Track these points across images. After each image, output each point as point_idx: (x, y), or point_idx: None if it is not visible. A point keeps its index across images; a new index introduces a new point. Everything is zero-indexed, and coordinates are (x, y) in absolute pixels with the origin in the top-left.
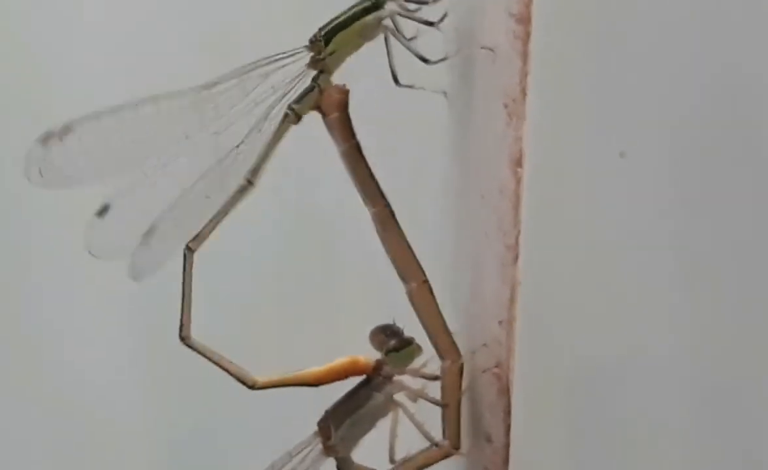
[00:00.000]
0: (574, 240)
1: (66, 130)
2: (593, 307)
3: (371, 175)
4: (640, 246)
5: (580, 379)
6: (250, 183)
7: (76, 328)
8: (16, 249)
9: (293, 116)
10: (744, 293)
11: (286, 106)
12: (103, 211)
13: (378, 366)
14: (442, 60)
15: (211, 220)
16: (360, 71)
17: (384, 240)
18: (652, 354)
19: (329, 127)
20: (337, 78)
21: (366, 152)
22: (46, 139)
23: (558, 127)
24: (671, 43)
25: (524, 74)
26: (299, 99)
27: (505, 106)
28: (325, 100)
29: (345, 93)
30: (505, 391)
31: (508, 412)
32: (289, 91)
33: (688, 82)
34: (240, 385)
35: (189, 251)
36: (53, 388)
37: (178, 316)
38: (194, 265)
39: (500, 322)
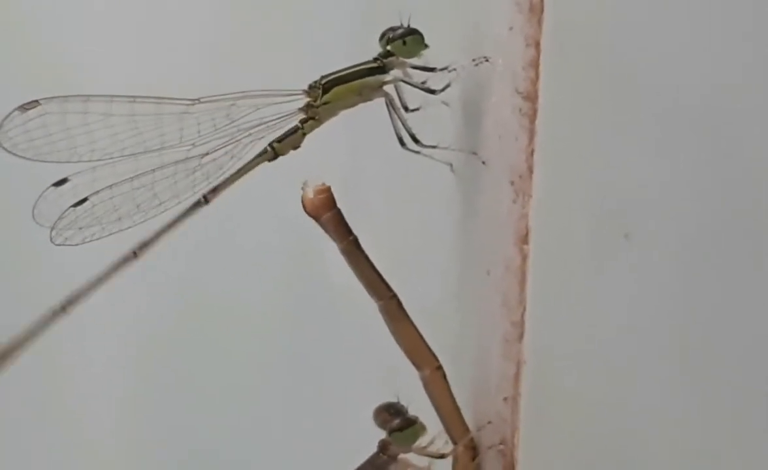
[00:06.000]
0: (579, 318)
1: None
2: (598, 385)
3: (373, 269)
4: (644, 327)
5: (584, 457)
6: (205, 201)
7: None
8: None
9: (271, 153)
10: (749, 378)
11: (266, 140)
12: (60, 182)
13: (383, 444)
14: (432, 147)
15: (160, 230)
16: (368, 148)
17: (393, 332)
18: (656, 434)
19: (324, 227)
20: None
21: (370, 227)
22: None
23: (565, 204)
24: (679, 124)
25: (531, 151)
26: (281, 139)
27: (512, 183)
28: (310, 203)
29: (327, 190)
30: (510, 468)
31: None
32: (275, 128)
33: (695, 165)
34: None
35: (133, 256)
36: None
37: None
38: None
39: (505, 399)
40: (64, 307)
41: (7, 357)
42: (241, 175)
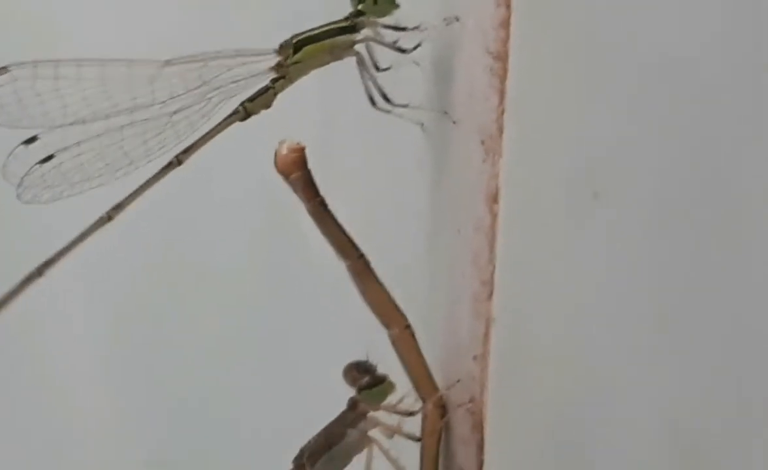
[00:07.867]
0: (548, 277)
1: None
2: (567, 344)
3: (341, 229)
4: (612, 285)
5: (553, 416)
6: (178, 161)
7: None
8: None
9: (243, 113)
10: (721, 334)
11: (238, 98)
12: (30, 140)
13: (352, 402)
14: (403, 106)
15: (133, 192)
16: (339, 107)
17: (361, 292)
18: (627, 392)
19: (292, 186)
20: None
21: (341, 186)
22: None
23: (534, 164)
24: (648, 84)
25: (501, 111)
26: (253, 98)
27: (482, 143)
28: (281, 161)
29: (301, 150)
30: (479, 427)
31: (481, 448)
32: (246, 87)
33: (663, 124)
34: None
35: (108, 218)
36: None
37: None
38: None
39: (474, 358)
40: (40, 271)
41: None
42: (213, 134)
